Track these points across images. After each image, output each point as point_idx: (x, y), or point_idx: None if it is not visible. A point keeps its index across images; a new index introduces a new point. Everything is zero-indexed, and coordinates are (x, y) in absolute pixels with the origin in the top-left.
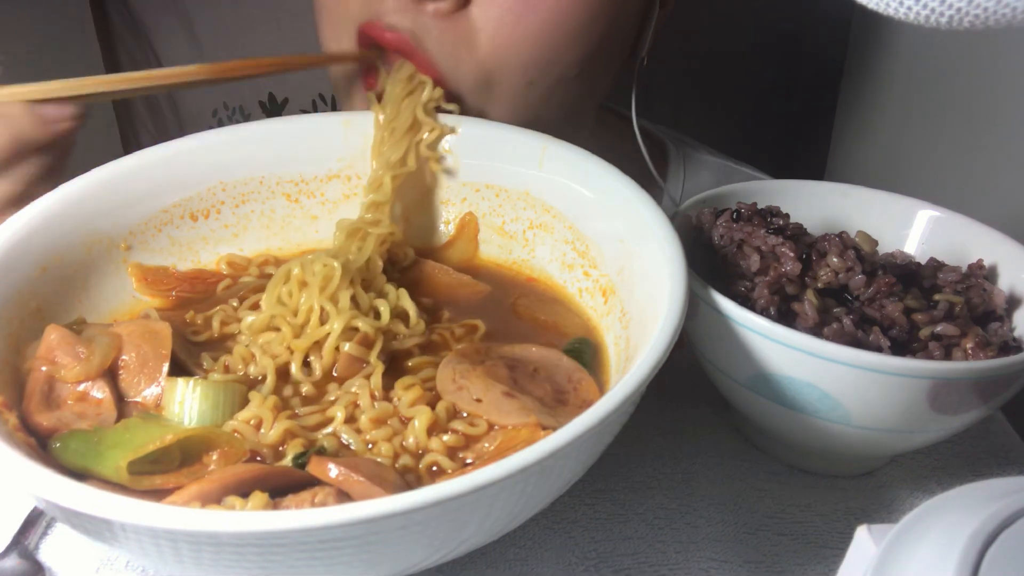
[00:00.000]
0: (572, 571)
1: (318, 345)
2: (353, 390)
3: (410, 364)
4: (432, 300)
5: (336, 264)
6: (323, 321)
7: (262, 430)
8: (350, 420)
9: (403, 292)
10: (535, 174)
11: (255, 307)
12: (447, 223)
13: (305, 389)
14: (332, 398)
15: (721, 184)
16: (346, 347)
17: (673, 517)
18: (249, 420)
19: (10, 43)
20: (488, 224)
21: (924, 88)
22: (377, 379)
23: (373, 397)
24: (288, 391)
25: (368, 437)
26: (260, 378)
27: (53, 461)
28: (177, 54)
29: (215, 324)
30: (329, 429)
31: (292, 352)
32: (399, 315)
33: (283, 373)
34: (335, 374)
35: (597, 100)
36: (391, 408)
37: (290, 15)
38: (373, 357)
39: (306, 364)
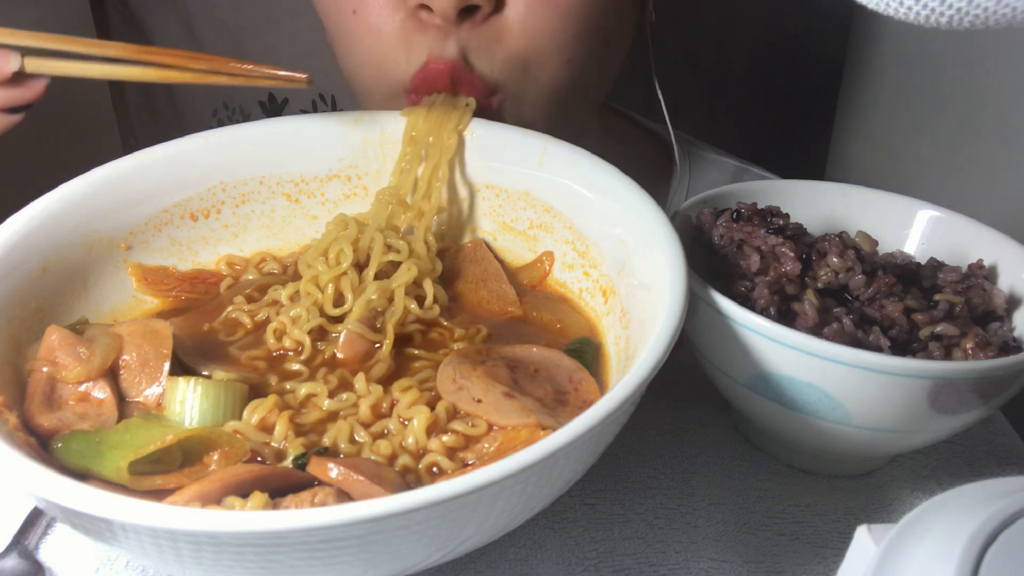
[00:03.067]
0: (572, 571)
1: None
2: (353, 391)
3: (411, 353)
4: (456, 300)
5: (349, 220)
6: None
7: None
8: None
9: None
10: (535, 174)
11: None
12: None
13: (307, 381)
14: (329, 399)
15: (727, 184)
16: (350, 326)
17: (673, 517)
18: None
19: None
20: (493, 221)
21: (924, 88)
22: (387, 353)
23: (385, 370)
24: (289, 386)
25: (372, 430)
26: (297, 349)
27: (54, 461)
28: None
29: (245, 319)
30: (327, 434)
31: (321, 299)
32: (418, 299)
33: (283, 372)
34: (339, 356)
35: (616, 73)
36: (380, 391)
37: (290, 15)
38: (389, 329)
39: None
